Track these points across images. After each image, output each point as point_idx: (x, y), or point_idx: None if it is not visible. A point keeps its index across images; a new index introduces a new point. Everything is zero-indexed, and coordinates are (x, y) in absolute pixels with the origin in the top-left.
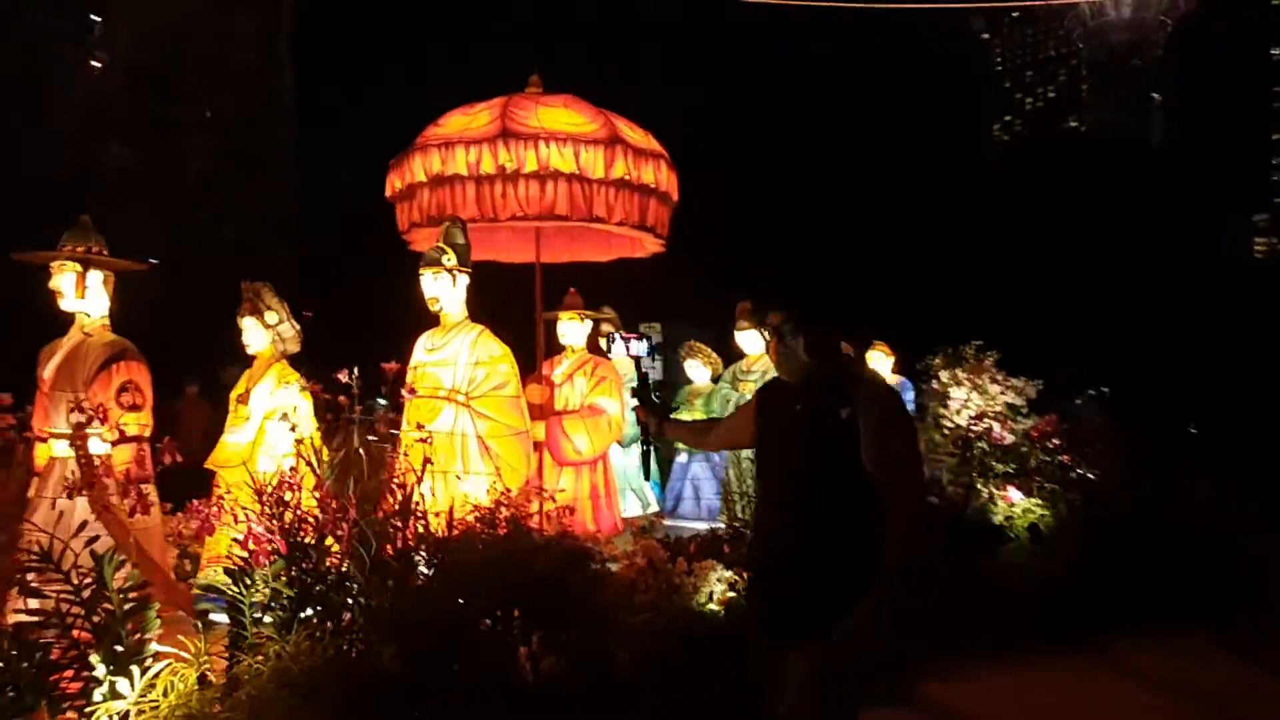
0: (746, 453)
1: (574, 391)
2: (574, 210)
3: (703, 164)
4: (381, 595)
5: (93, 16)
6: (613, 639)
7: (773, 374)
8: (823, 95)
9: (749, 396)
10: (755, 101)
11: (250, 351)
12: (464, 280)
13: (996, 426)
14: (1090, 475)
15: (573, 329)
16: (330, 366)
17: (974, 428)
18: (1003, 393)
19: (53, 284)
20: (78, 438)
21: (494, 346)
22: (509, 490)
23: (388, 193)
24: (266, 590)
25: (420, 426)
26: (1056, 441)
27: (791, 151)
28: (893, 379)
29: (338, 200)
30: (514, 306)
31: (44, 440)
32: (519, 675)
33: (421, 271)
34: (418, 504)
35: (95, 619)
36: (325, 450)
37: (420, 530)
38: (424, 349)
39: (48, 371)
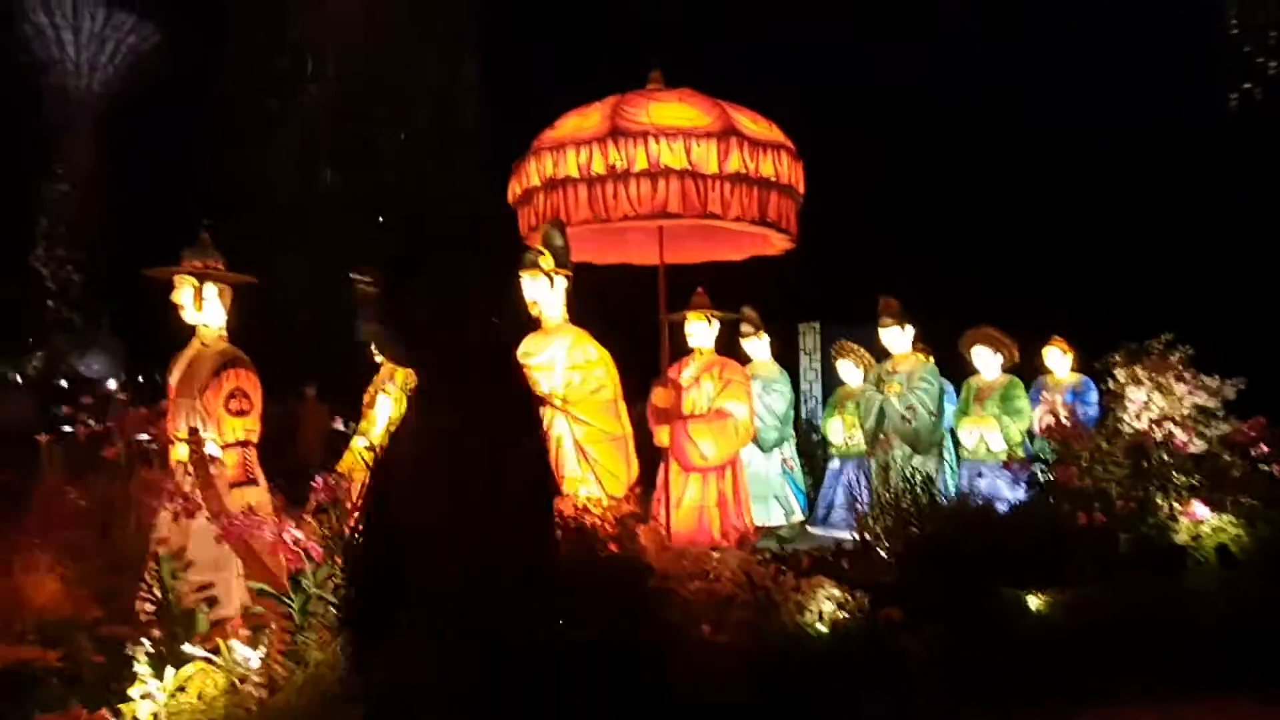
0: (894, 459)
1: (701, 395)
2: (687, 208)
3: (861, 153)
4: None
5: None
6: (677, 661)
7: (921, 374)
8: (997, 67)
9: (894, 399)
10: (918, 80)
11: (376, 359)
12: (561, 283)
13: (1179, 432)
14: None
15: (700, 330)
16: None
17: (1153, 433)
18: (1191, 393)
19: (174, 297)
20: (192, 441)
21: (591, 350)
22: (598, 499)
23: (509, 199)
24: (315, 597)
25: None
26: (1265, 448)
27: (959, 128)
28: (1071, 378)
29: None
30: (644, 308)
31: (174, 444)
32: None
33: (521, 275)
34: None
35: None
36: None
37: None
38: (523, 353)
39: (174, 379)
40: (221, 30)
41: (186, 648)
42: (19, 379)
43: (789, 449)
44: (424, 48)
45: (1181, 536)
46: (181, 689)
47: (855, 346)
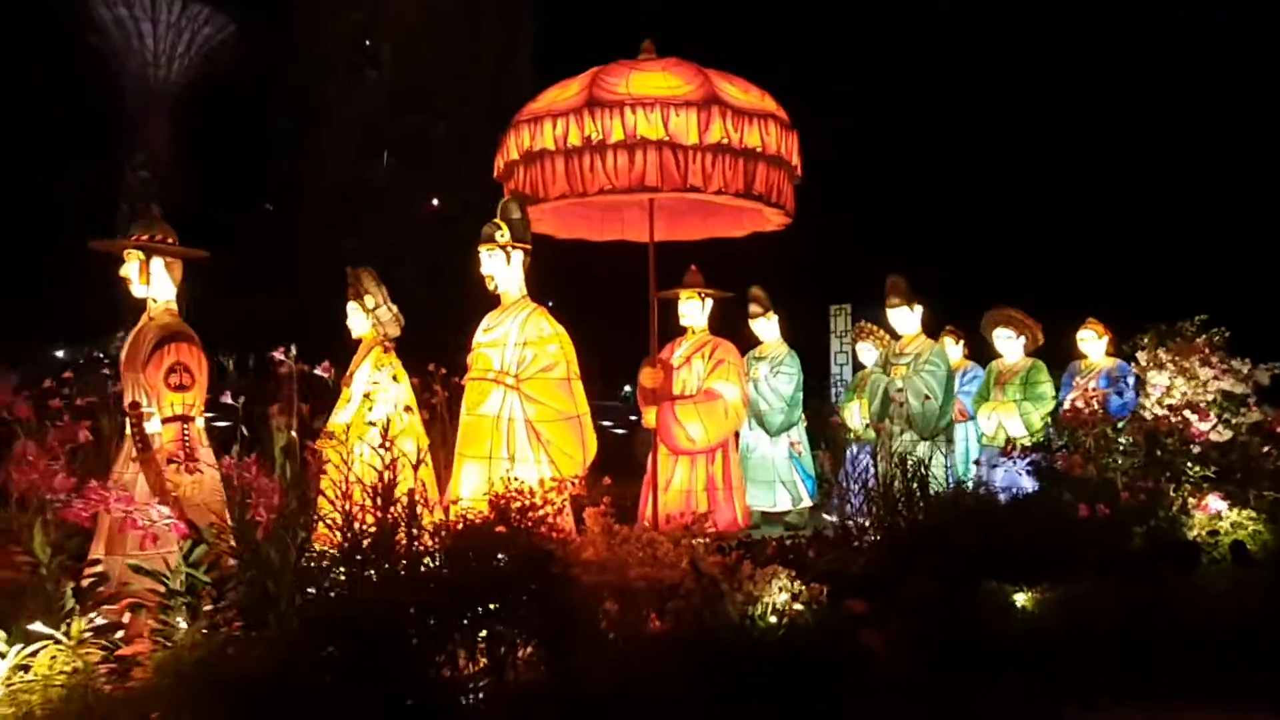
0: (898, 444)
1: (692, 375)
2: (666, 180)
3: (896, 134)
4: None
5: (366, 42)
6: (586, 651)
7: (928, 356)
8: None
9: (899, 383)
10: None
11: (354, 335)
12: (519, 257)
13: (1195, 419)
14: None
15: (692, 308)
16: None
17: (1170, 419)
18: (1217, 378)
19: (122, 271)
20: (133, 415)
21: (544, 325)
22: (547, 480)
23: (495, 174)
24: (184, 577)
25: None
26: None
27: (997, 107)
28: (1106, 362)
29: None
30: (639, 287)
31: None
32: (427, 686)
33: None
34: (398, 497)
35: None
36: (423, 437)
37: (375, 522)
38: (481, 330)
39: (123, 353)
40: (288, 21)
41: (37, 625)
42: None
43: (797, 432)
44: (478, 37)
45: (1195, 531)
46: (25, 667)
47: (875, 328)
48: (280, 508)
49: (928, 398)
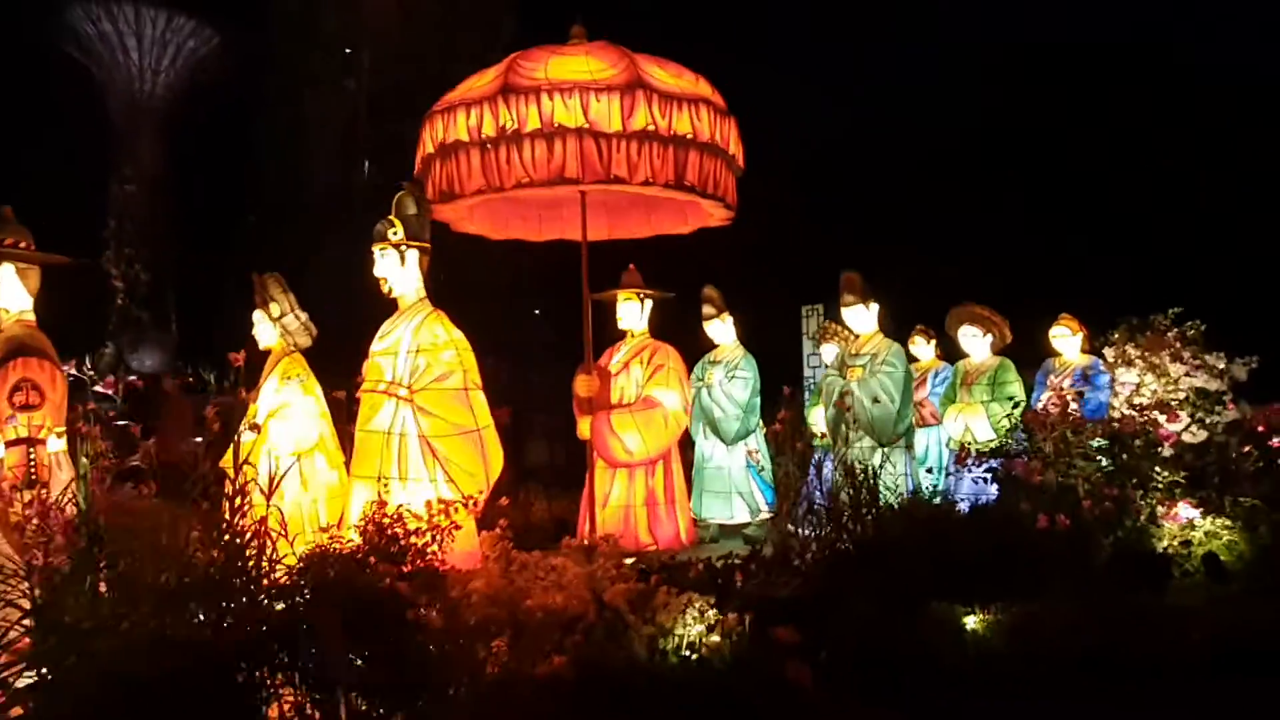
0: (854, 452)
1: (630, 382)
2: (587, 171)
3: (873, 118)
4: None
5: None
6: (457, 700)
7: (887, 356)
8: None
9: (854, 385)
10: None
11: (261, 346)
12: (414, 257)
13: (1163, 419)
14: None
15: (630, 311)
16: None
17: (1136, 420)
18: (1189, 374)
19: None
20: None
21: (439, 331)
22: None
23: (414, 171)
24: None
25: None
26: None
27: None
28: (1081, 360)
29: None
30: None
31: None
32: None
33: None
34: (244, 527)
35: None
36: (336, 455)
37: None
38: (377, 337)
39: None
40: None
41: None
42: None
43: (755, 441)
44: (456, 41)
45: (1165, 543)
46: None
47: (840, 329)
48: (67, 547)
49: (876, 400)
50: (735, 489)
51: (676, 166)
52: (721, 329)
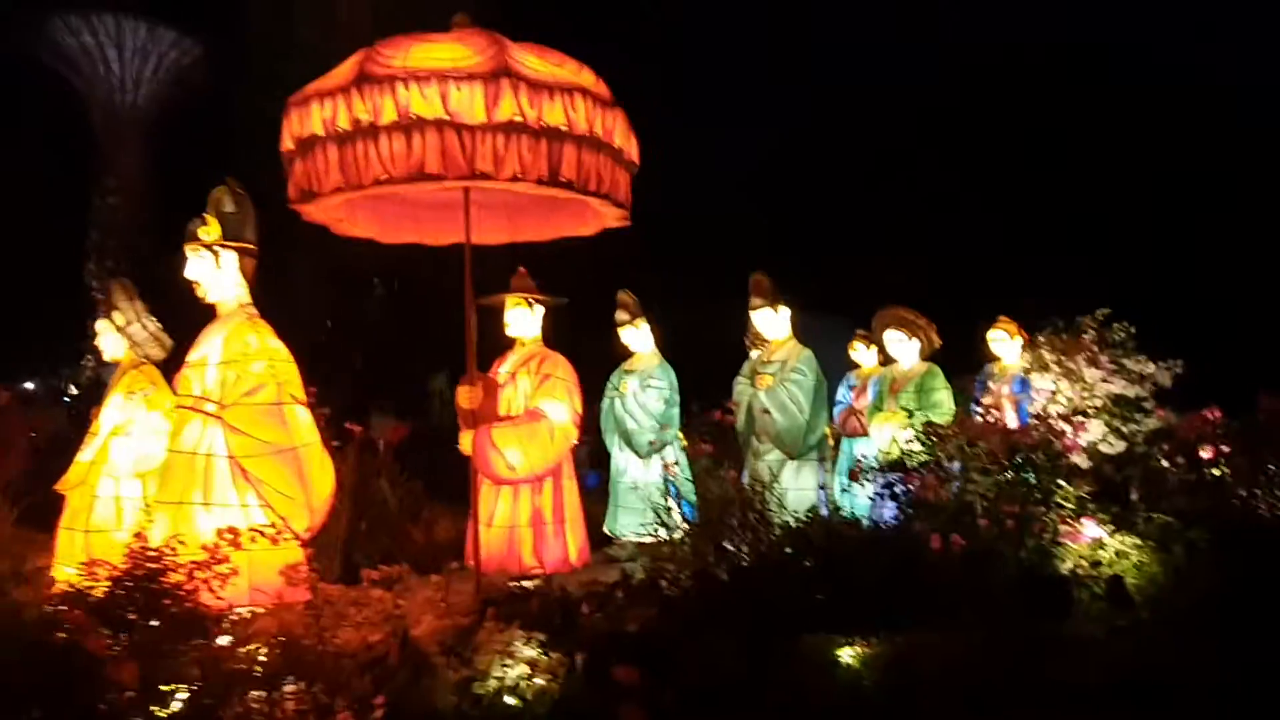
0: (762, 465)
1: (517, 393)
2: (449, 166)
3: (835, 119)
4: None
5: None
6: None
7: (796, 364)
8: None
9: (762, 394)
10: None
11: (106, 358)
12: (231, 259)
13: (1069, 429)
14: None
15: (519, 317)
16: None
17: (1037, 430)
18: (1106, 380)
19: None
20: None
21: (251, 340)
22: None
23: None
24: None
25: None
26: (1213, 449)
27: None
28: (1020, 365)
29: None
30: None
31: None
32: None
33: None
34: None
35: None
36: None
37: None
38: (194, 346)
39: None
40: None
41: None
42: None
43: (673, 453)
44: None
45: (1070, 564)
46: None
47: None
48: None
49: (766, 411)
50: (649, 505)
51: (550, 161)
52: (636, 336)
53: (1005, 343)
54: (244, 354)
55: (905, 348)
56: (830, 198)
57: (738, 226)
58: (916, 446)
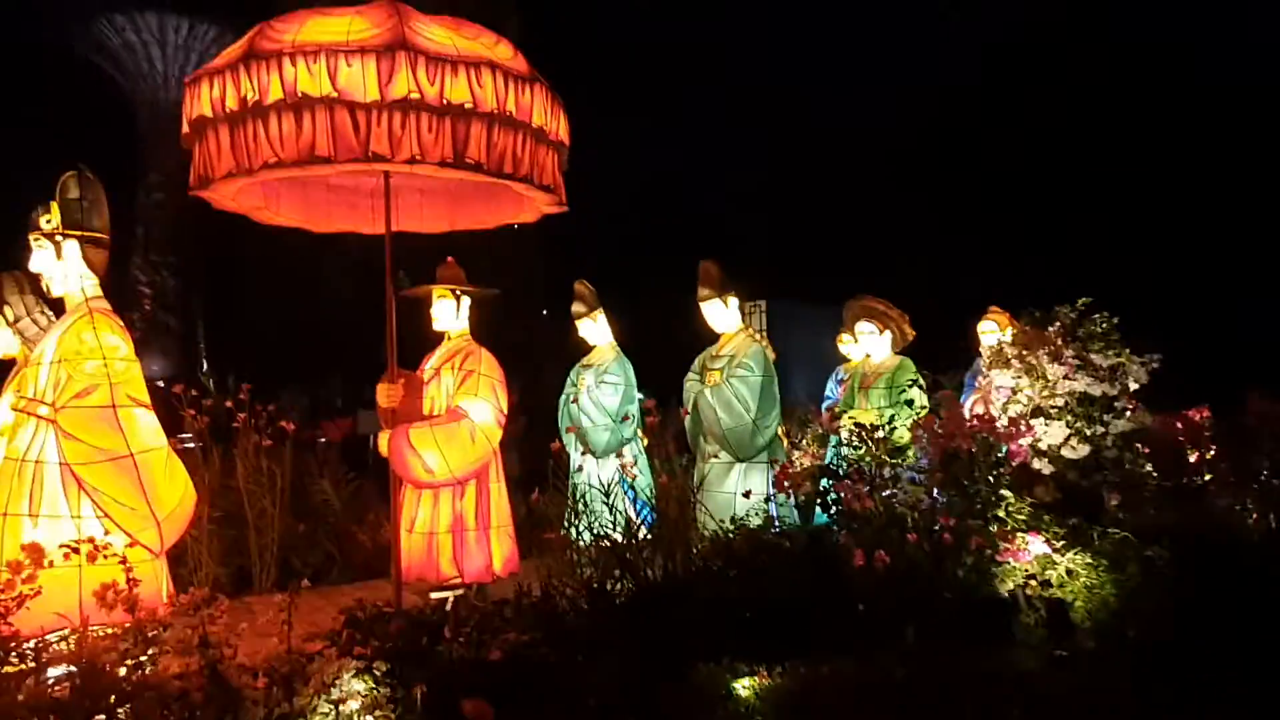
0: (709, 468)
1: (440, 391)
2: (340, 148)
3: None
4: None
5: None
6: None
7: (743, 358)
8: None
9: (707, 392)
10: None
11: None
12: (74, 248)
13: (1026, 430)
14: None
15: (445, 310)
16: None
17: (973, 433)
18: (1069, 376)
19: None
20: None
21: (87, 337)
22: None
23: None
24: None
25: None
26: (1197, 455)
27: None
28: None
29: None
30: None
31: None
32: None
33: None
34: None
35: None
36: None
37: None
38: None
39: None
40: None
41: None
42: None
43: (631, 451)
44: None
45: (1012, 584)
46: None
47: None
48: None
49: (730, 408)
50: (604, 504)
51: (455, 141)
52: (594, 329)
53: (995, 334)
54: (77, 352)
55: (876, 341)
56: (840, 187)
57: (739, 209)
58: (845, 451)
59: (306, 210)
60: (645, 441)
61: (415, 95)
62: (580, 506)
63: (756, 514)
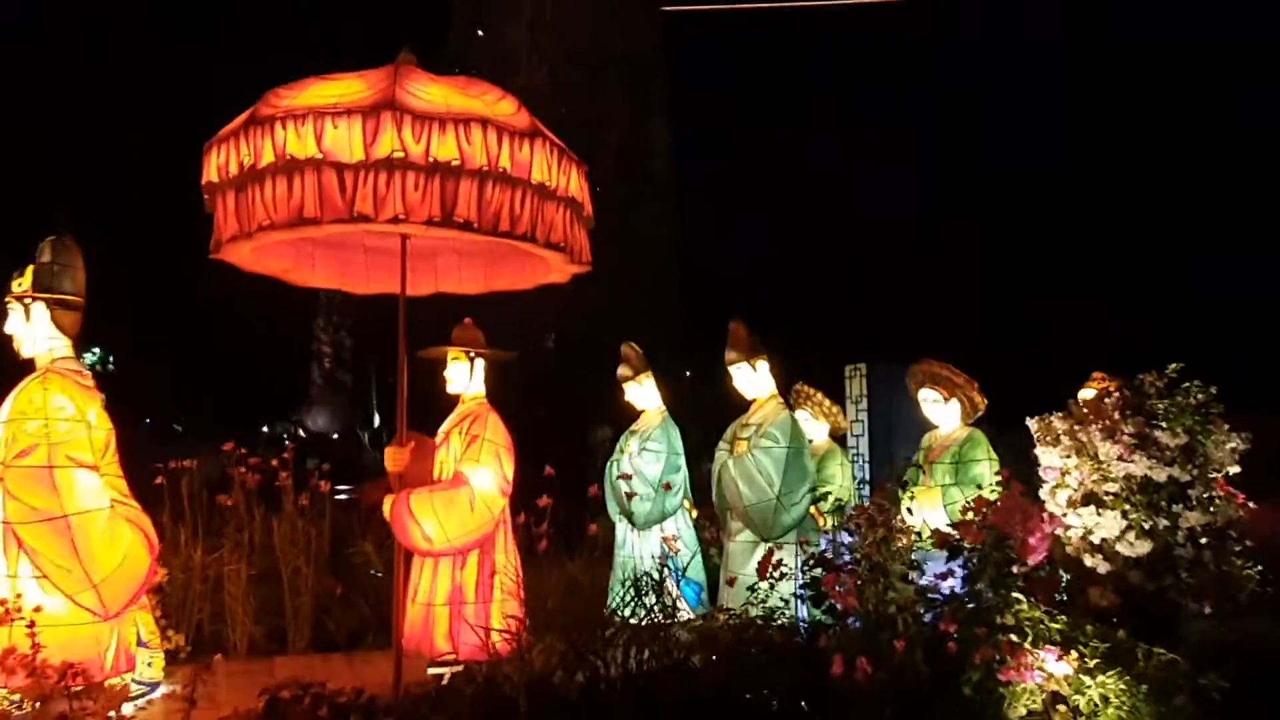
0: (735, 547)
1: (449, 456)
2: (326, 209)
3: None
4: None
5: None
6: None
7: (769, 428)
8: None
9: (730, 464)
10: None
11: None
12: (42, 311)
13: (1051, 524)
14: None
15: (459, 372)
16: None
17: (977, 526)
18: (1125, 459)
19: None
20: None
21: (35, 398)
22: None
23: None
24: None
25: None
26: None
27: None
28: None
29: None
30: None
31: None
32: None
33: None
34: None
35: None
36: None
37: None
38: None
39: None
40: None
41: None
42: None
43: (675, 524)
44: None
45: (1020, 709)
46: None
47: (815, 393)
48: None
49: (752, 482)
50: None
51: (443, 200)
52: (640, 393)
53: None
54: (22, 412)
55: (942, 410)
56: (929, 255)
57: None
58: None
59: (344, 272)
60: (694, 514)
61: (399, 154)
62: (619, 585)
63: (772, 599)
